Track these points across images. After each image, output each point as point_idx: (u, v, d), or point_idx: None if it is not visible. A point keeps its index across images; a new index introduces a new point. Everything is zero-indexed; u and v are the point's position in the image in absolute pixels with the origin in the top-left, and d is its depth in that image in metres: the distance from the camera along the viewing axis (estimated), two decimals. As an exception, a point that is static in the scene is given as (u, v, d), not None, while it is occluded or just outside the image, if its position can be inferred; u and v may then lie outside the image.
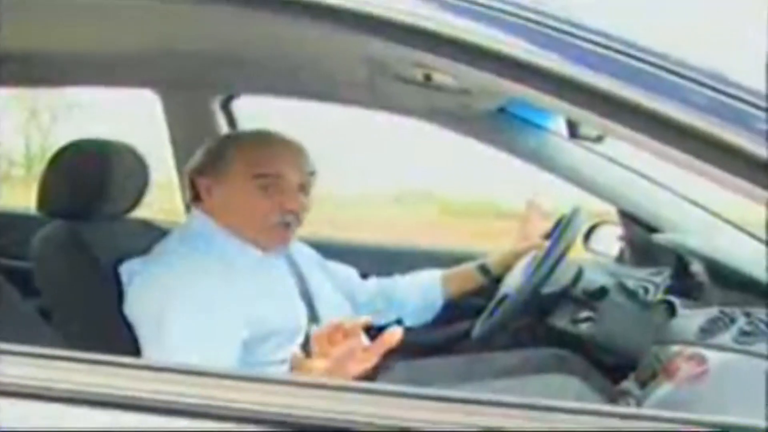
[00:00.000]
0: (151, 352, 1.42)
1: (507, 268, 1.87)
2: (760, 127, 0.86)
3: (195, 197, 1.66)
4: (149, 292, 1.50)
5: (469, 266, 1.96)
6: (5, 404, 0.95)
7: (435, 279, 1.96)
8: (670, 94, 0.89)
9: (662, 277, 1.82)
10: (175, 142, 2.34)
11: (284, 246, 1.66)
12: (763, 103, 0.88)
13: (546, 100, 0.96)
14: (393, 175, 8.83)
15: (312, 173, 1.65)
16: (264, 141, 1.65)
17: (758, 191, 0.87)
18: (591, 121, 0.99)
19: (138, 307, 1.50)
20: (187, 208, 1.73)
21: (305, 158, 1.64)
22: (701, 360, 1.25)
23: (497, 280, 1.89)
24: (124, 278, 1.55)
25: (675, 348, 1.40)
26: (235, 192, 1.59)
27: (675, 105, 0.89)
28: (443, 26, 0.94)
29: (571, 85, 0.92)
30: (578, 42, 0.93)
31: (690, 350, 1.29)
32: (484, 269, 1.93)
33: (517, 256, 1.87)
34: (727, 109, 0.88)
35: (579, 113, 0.97)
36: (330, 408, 0.90)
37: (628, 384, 1.48)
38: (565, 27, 0.93)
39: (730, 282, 1.51)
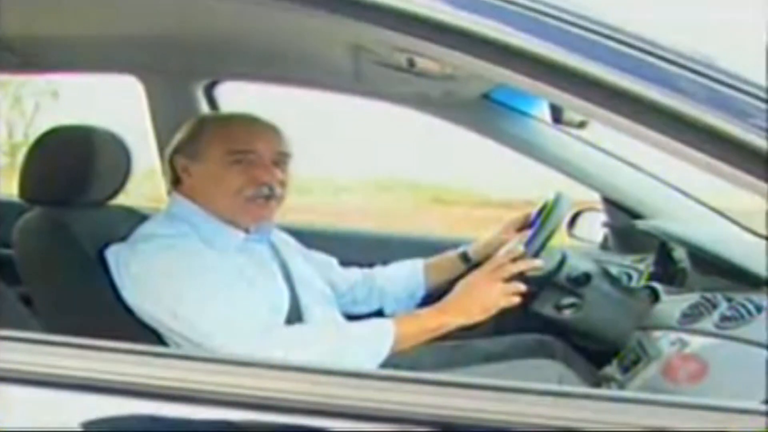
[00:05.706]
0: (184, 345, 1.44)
1: (488, 256, 1.86)
2: (760, 119, 0.87)
3: (175, 180, 1.68)
4: (152, 281, 1.49)
5: (451, 254, 1.96)
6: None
7: (417, 268, 1.95)
8: (668, 85, 0.89)
9: (645, 263, 1.83)
10: (157, 129, 2.32)
11: (262, 221, 1.66)
12: (762, 95, 0.88)
13: (533, 85, 0.96)
14: (381, 162, 8.79)
15: (285, 154, 1.67)
16: (237, 120, 1.71)
17: (759, 184, 0.87)
18: (585, 111, 0.98)
19: (145, 299, 1.50)
20: (169, 193, 1.72)
21: (278, 137, 1.67)
22: (698, 358, 1.26)
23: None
24: (111, 263, 1.54)
25: (657, 333, 1.41)
26: (211, 170, 1.62)
27: (673, 95, 0.89)
28: (426, 10, 0.94)
29: (563, 71, 0.92)
30: (568, 27, 0.93)
31: (686, 350, 1.30)
32: (465, 257, 1.93)
33: (500, 244, 1.86)
34: (726, 101, 0.88)
35: (568, 100, 0.96)
36: (318, 392, 0.92)
37: (611, 369, 1.49)
38: (555, 12, 0.93)
39: (712, 268, 1.52)
